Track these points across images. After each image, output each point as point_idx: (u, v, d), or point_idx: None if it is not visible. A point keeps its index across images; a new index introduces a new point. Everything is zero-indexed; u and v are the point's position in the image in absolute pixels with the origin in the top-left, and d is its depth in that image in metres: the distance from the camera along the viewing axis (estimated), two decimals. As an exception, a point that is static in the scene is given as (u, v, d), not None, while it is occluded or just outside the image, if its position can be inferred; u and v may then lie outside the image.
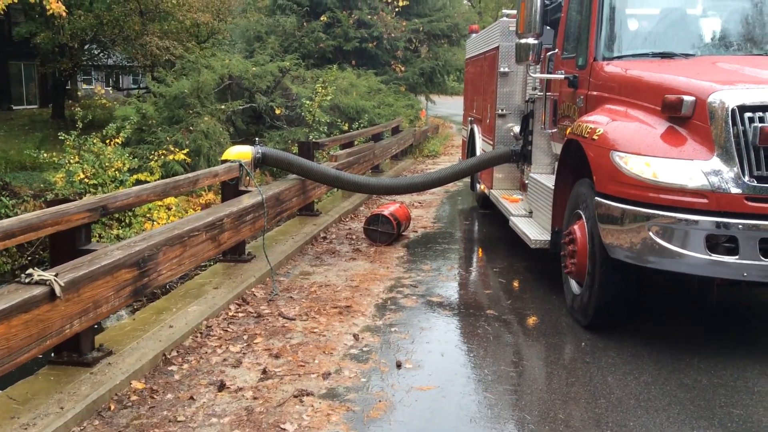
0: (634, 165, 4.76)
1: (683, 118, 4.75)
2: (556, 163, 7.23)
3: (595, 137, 5.15)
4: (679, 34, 5.92)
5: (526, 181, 7.63)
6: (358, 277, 7.01)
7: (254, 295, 6.39)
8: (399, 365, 4.82)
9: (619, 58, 5.83)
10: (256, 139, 7.88)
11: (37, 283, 3.51)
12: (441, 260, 7.88)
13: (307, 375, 4.65)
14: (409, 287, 6.72)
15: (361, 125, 16.68)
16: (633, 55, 5.80)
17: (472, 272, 7.41)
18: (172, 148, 15.45)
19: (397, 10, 24.40)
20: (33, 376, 4.24)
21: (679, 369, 4.74)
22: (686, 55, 5.65)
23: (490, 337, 5.42)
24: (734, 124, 4.49)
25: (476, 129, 10.84)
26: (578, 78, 6.20)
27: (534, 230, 6.79)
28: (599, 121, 5.29)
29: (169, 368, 4.72)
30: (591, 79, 5.94)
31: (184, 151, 15.41)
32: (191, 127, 16.42)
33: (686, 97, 4.68)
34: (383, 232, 8.42)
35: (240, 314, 5.87)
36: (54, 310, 3.55)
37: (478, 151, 10.47)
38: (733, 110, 4.49)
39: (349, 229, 9.50)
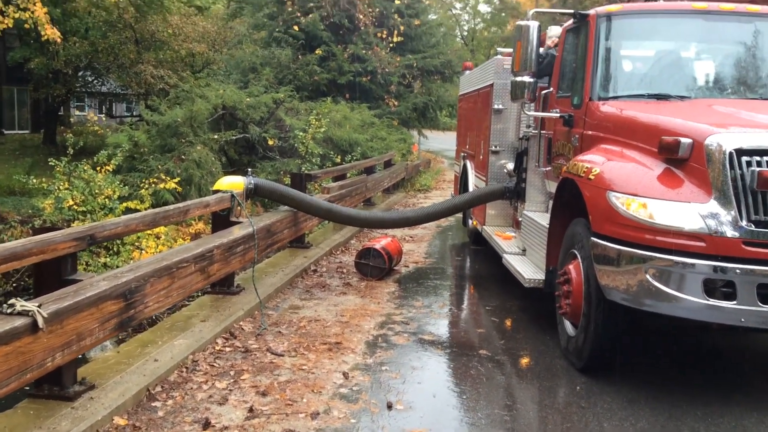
0: (630, 206, 4.72)
1: (680, 160, 4.72)
2: (550, 201, 7.23)
3: (592, 177, 5.12)
4: (674, 77, 5.95)
5: (520, 219, 7.59)
6: (348, 313, 6.90)
7: (242, 329, 6.26)
8: (390, 406, 4.69)
9: (614, 98, 5.84)
10: (249, 169, 7.82)
11: (20, 313, 3.39)
12: (433, 297, 7.78)
13: (295, 414, 4.51)
14: (401, 324, 6.61)
15: (354, 158, 16.68)
16: (629, 96, 5.81)
17: (464, 310, 7.32)
18: (164, 177, 15.35)
19: (391, 45, 24.63)
20: (12, 410, 4.09)
21: (676, 416, 4.64)
22: (682, 98, 5.66)
23: (483, 378, 5.30)
24: (732, 167, 4.47)
25: (469, 165, 10.83)
26: (573, 117, 6.19)
27: (528, 269, 6.71)
28: (595, 161, 5.26)
29: (153, 404, 4.57)
30: (586, 118, 5.93)
31: (176, 180, 15.29)
32: (183, 156, 16.35)
33: (683, 139, 4.67)
34: (374, 267, 8.33)
35: (227, 348, 5.73)
36: (36, 342, 3.43)
37: (471, 187, 10.44)
38: (730, 153, 4.47)
39: (340, 262, 9.41)
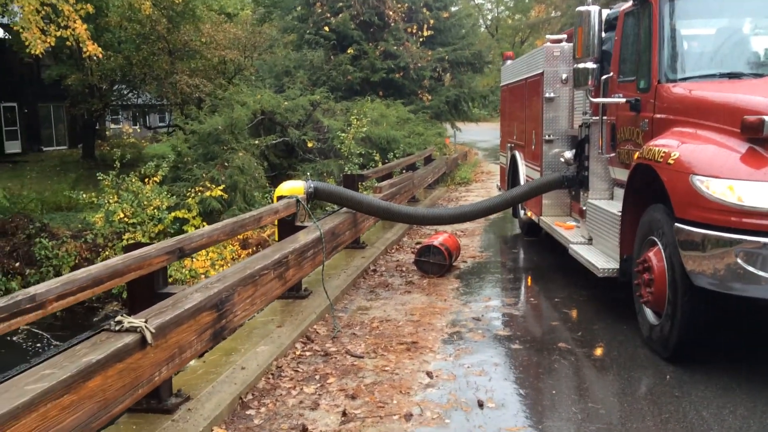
0: (716, 189, 4.61)
1: (765, 139, 4.60)
2: (615, 188, 7.14)
3: (671, 161, 5.02)
4: (744, 54, 5.82)
5: (584, 207, 7.48)
6: (417, 311, 6.89)
7: (317, 332, 6.28)
8: (481, 404, 4.66)
9: (684, 79, 5.72)
10: (308, 173, 7.84)
11: (128, 330, 3.43)
12: (498, 291, 7.73)
13: (389, 417, 4.51)
14: (472, 321, 6.57)
15: (395, 155, 16.66)
16: (699, 77, 5.69)
17: (532, 303, 7.25)
18: (209, 185, 15.52)
19: (421, 40, 24.56)
20: (113, 426, 4.14)
21: (775, 401, 4.54)
22: (756, 75, 5.53)
23: (569, 372, 5.25)
24: (821, 144, 4.35)
25: (518, 155, 10.73)
26: (641, 101, 6.08)
27: (599, 258, 6.62)
28: (673, 145, 5.15)
29: (248, 412, 4.60)
30: (656, 102, 5.82)
31: (221, 187, 15.45)
32: (226, 163, 16.52)
33: (767, 118, 4.55)
34: (435, 263, 8.30)
35: (307, 353, 5.76)
36: (145, 358, 3.47)
37: (522, 178, 10.35)
38: (819, 130, 4.35)
39: (397, 260, 9.39)
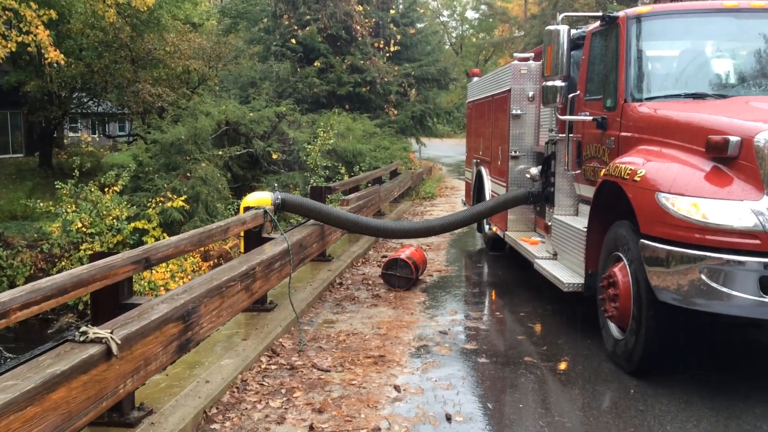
0: (681, 206, 4.71)
1: (729, 158, 4.72)
2: (580, 204, 7.24)
3: (637, 178, 5.11)
4: (708, 75, 5.98)
5: (549, 223, 7.57)
6: (384, 325, 6.86)
7: (283, 345, 6.21)
8: (449, 418, 4.65)
9: (649, 99, 5.84)
10: (275, 185, 7.78)
11: (93, 341, 3.34)
12: (464, 305, 7.76)
13: (357, 431, 4.46)
14: (439, 335, 6.57)
15: (362, 169, 16.67)
16: (665, 96, 5.82)
17: (498, 317, 7.27)
18: (170, 195, 15.28)
19: (388, 55, 24.69)
20: (73, 440, 4.02)
21: (735, 415, 4.62)
22: (718, 96, 5.68)
23: (535, 386, 5.27)
24: (783, 163, 4.47)
25: (484, 171, 10.82)
26: (607, 119, 6.19)
27: (564, 273, 6.69)
28: (639, 162, 5.25)
29: (212, 426, 4.51)
30: (622, 120, 5.93)
31: (182, 198, 15.23)
32: (189, 174, 16.30)
33: (732, 137, 4.66)
34: (402, 277, 8.29)
35: (272, 366, 5.68)
36: (110, 370, 3.38)
37: (488, 193, 10.43)
38: (781, 150, 4.47)
39: (364, 274, 9.36)
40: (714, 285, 4.57)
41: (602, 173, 5.82)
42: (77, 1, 21.01)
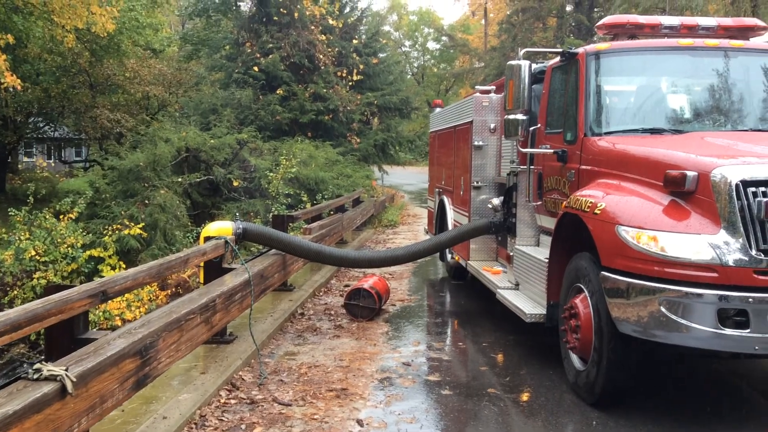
0: (641, 239, 4.78)
1: (686, 192, 4.82)
2: (541, 234, 7.32)
3: (597, 211, 5.18)
4: (665, 111, 6.13)
5: (511, 253, 7.62)
6: (347, 357, 6.78)
7: (243, 379, 6.08)
8: (413, 452, 4.60)
9: (608, 133, 5.96)
10: (236, 213, 7.69)
11: (47, 378, 3.21)
12: (427, 335, 7.73)
13: (319, 467, 4.38)
14: (402, 366, 6.52)
15: (324, 197, 16.63)
16: (623, 131, 5.94)
17: (462, 348, 7.26)
18: (127, 222, 15.00)
19: (351, 84, 24.83)
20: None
21: (696, 447, 4.67)
22: (675, 131, 5.82)
23: (499, 418, 5.25)
24: (738, 198, 4.59)
25: (446, 200, 10.89)
26: (568, 152, 6.29)
27: (526, 304, 6.72)
28: (599, 196, 5.34)
29: (169, 465, 4.38)
30: (582, 153, 6.03)
31: (140, 225, 14.95)
32: (147, 201, 16.06)
33: (689, 172, 4.77)
34: (365, 307, 8.24)
35: (232, 401, 5.55)
36: (64, 408, 3.25)
37: (450, 222, 10.48)
38: (737, 185, 4.59)
39: (326, 304, 9.28)
40: (673, 317, 4.64)
41: (563, 205, 5.90)
42: (35, 25, 20.71)
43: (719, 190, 4.65)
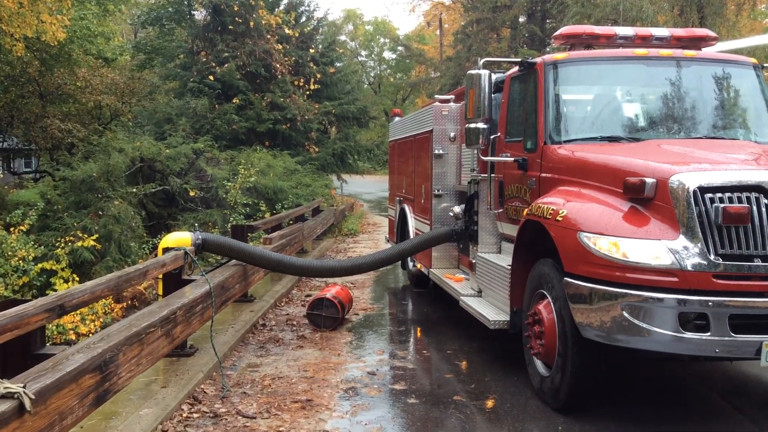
0: (602, 245, 4.86)
1: (645, 199, 4.92)
2: (503, 242, 7.37)
3: (559, 218, 5.25)
4: (621, 119, 6.26)
5: (473, 260, 7.66)
6: (310, 367, 6.71)
7: (205, 392, 5.96)
8: (381, 462, 4.57)
9: (568, 141, 6.05)
10: (195, 224, 7.57)
11: (3, 396, 3.09)
12: (391, 344, 7.71)
13: (286, 480, 4.31)
14: (367, 375, 6.49)
15: (284, 206, 16.50)
16: (582, 139, 6.04)
17: (426, 356, 7.25)
18: (80, 234, 14.63)
19: (308, 93, 24.73)
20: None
21: (660, 448, 4.74)
22: (632, 139, 5.94)
23: (466, 425, 5.26)
24: (696, 204, 4.69)
25: (407, 208, 10.91)
26: (528, 161, 6.36)
27: (489, 310, 6.75)
28: (560, 203, 5.40)
29: (131, 483, 4.26)
30: (542, 161, 6.11)
31: (94, 237, 14.59)
32: (101, 212, 15.69)
33: (648, 179, 4.87)
34: (327, 317, 8.18)
35: (195, 415, 5.44)
36: (22, 427, 3.13)
37: (411, 230, 10.51)
38: (695, 191, 4.69)
39: (288, 314, 9.18)
40: (635, 321, 4.71)
41: (525, 212, 5.96)
42: (-20, 34, 20.09)
43: (677, 197, 4.75)
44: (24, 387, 3.16)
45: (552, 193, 5.75)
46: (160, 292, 6.94)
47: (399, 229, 11.54)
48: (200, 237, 7.34)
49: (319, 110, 24.20)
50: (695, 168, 4.89)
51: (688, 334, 4.62)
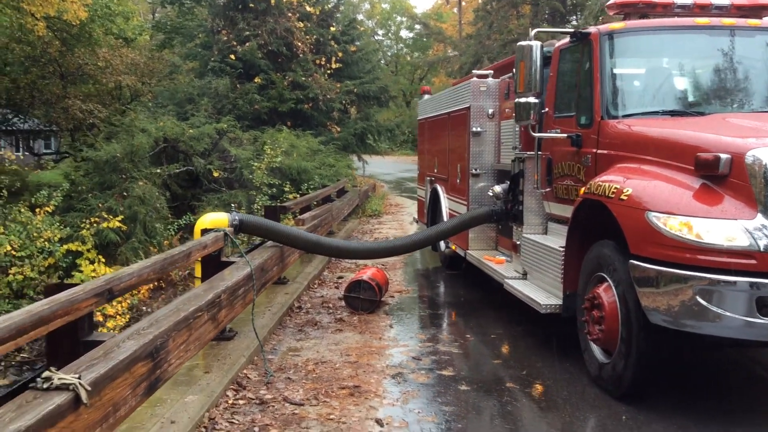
0: (674, 226, 4.57)
1: (718, 176, 4.62)
2: (549, 222, 7.10)
3: (624, 197, 4.96)
4: (683, 92, 5.93)
5: (518, 242, 7.38)
6: (353, 352, 6.51)
7: (248, 377, 5.78)
8: (441, 454, 4.35)
9: (626, 116, 5.74)
10: (233, 205, 7.36)
11: (58, 388, 2.89)
12: (433, 328, 7.48)
13: (345, 472, 4.10)
14: (413, 360, 6.27)
15: (311, 187, 16.29)
16: (642, 113, 5.73)
17: (471, 340, 7.00)
18: (105, 215, 14.51)
19: (329, 72, 24.42)
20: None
21: (733, 439, 4.49)
22: (696, 113, 5.62)
23: (525, 414, 5.04)
24: (775, 182, 4.39)
25: (440, 189, 10.62)
26: (582, 137, 6.07)
27: (539, 294, 6.49)
28: (623, 181, 5.11)
29: (183, 475, 4.07)
30: (599, 137, 5.80)
31: (119, 218, 14.46)
32: (125, 193, 15.56)
33: (722, 155, 4.57)
34: (366, 299, 7.96)
35: (240, 401, 5.25)
36: (78, 421, 2.93)
37: (444, 211, 10.23)
38: (774, 168, 4.39)
39: (322, 296, 8.97)
40: (708, 306, 4.44)
41: (582, 191, 5.66)
42: (2, 14, 19.92)
43: (754, 173, 4.45)
44: (79, 378, 2.96)
45: (612, 170, 5.45)
46: (198, 274, 6.75)
47: (430, 210, 11.28)
48: (237, 218, 7.13)
49: (341, 89, 23.88)
50: (773, 143, 4.58)
51: (765, 320, 4.34)
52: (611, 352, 5.25)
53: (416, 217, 12.99)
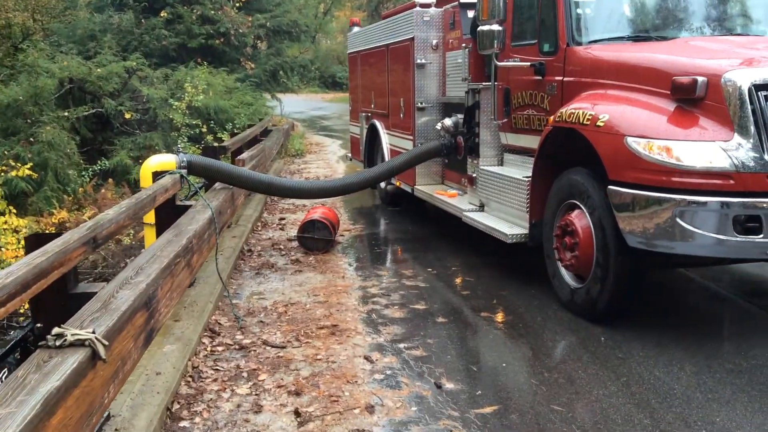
0: (654, 150, 4.65)
1: (696, 99, 4.70)
2: (505, 153, 7.12)
3: (600, 124, 4.98)
4: (647, 16, 5.97)
5: (474, 174, 7.36)
6: (320, 292, 6.38)
7: (219, 323, 5.57)
8: (439, 386, 4.35)
9: (593, 42, 5.74)
10: (179, 146, 6.94)
11: (72, 345, 2.64)
12: (393, 264, 7.45)
13: (349, 411, 4.04)
14: (383, 296, 6.22)
15: (236, 127, 15.70)
16: (608, 39, 5.74)
17: (433, 274, 6.98)
18: (13, 163, 13.53)
19: (239, 5, 23.30)
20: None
21: (711, 355, 4.71)
22: (660, 38, 5.68)
23: (507, 342, 5.11)
24: (751, 102, 4.51)
25: (379, 125, 10.44)
26: (545, 65, 6.04)
27: (502, 225, 6.53)
28: (597, 108, 5.13)
29: (182, 425, 3.89)
30: (566, 65, 5.79)
31: (28, 166, 13.52)
32: (32, 138, 14.52)
33: (699, 78, 4.64)
34: (320, 239, 7.80)
35: (219, 348, 5.06)
36: (96, 378, 2.70)
37: (385, 147, 10.10)
38: (749, 89, 4.51)
39: (270, 238, 8.74)
40: (690, 227, 4.57)
41: (551, 120, 5.66)
42: None
43: (731, 95, 4.55)
44: (93, 332, 2.71)
45: (582, 98, 5.46)
46: (148, 220, 6.35)
47: (367, 147, 11.09)
48: (185, 159, 6.74)
49: (253, 23, 22.89)
50: (747, 65, 4.69)
51: (741, 238, 4.52)
52: (584, 278, 5.37)
53: (350, 154, 12.76)
